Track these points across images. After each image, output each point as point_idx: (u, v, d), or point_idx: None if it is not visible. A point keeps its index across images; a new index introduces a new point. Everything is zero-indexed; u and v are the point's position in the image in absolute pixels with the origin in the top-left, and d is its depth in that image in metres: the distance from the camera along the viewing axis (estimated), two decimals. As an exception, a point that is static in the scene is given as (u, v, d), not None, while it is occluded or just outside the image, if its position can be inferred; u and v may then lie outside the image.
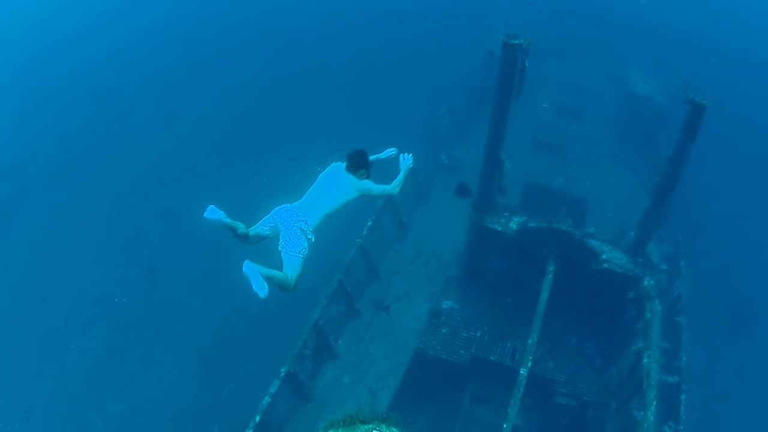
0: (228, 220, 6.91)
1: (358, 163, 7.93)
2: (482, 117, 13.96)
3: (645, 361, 12.77)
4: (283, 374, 13.31)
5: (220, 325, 19.16)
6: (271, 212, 7.35)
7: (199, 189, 22.91)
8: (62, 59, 32.69)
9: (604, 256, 14.14)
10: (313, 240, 7.27)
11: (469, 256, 16.17)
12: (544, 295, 13.60)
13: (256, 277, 6.64)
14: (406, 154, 8.38)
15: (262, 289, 6.63)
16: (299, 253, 7.09)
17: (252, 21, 32.16)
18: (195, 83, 29.50)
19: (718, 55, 26.13)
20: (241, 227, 7.05)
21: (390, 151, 8.47)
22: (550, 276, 14.01)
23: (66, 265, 21.94)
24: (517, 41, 11.84)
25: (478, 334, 15.41)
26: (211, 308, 19.46)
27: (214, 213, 6.87)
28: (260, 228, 7.27)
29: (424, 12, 30.06)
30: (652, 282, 13.96)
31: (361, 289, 16.53)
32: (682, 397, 13.35)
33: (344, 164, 7.97)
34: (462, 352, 15.08)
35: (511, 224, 14.78)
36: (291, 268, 7.04)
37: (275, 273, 6.86)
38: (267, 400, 12.83)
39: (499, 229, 14.74)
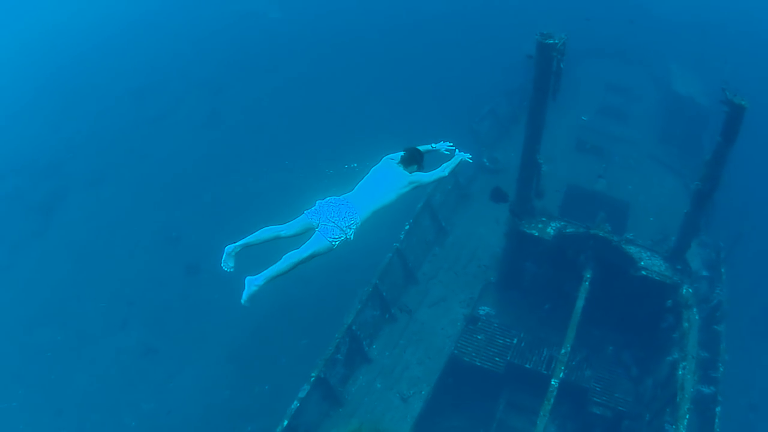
0: (244, 242, 7.30)
1: (412, 158, 8.04)
2: (524, 118, 13.80)
3: (680, 372, 12.41)
4: (313, 379, 13.22)
5: (256, 327, 19.14)
6: (315, 205, 7.36)
7: (242, 191, 23.15)
8: (105, 59, 33.16)
9: (642, 263, 13.81)
10: (351, 239, 7.27)
11: (506, 261, 15.94)
12: (580, 304, 13.31)
13: (250, 291, 6.83)
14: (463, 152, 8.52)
15: (249, 301, 6.87)
16: (333, 239, 7.07)
17: (294, 22, 32.28)
18: (237, 83, 29.71)
19: (763, 53, 25.48)
20: (263, 235, 7.26)
21: (447, 145, 8.57)
22: (587, 283, 13.70)
23: (104, 263, 22.18)
24: (551, 41, 11.64)
25: (515, 341, 15.16)
26: (248, 310, 19.41)
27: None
28: (300, 222, 7.32)
29: (467, 11, 29.86)
30: (690, 290, 13.60)
31: (397, 294, 16.34)
32: (718, 409, 12.94)
33: (396, 159, 8.06)
34: (497, 359, 14.85)
35: (549, 230, 14.54)
36: (313, 246, 7.05)
37: (287, 264, 6.94)
38: (296, 404, 12.76)
39: (536, 234, 14.48)
